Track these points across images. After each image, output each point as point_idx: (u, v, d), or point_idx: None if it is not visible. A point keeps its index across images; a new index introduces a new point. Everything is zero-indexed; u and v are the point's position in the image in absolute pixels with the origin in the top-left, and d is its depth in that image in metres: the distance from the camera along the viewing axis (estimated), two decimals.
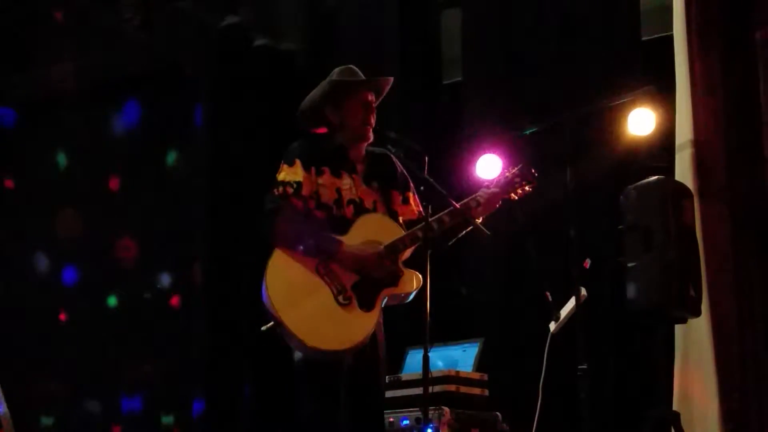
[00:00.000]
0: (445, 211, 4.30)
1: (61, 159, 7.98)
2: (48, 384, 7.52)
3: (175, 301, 7.50)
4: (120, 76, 7.82)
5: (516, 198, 4.50)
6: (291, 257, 4.14)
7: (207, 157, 7.41)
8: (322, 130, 4.43)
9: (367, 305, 4.17)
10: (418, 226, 4.28)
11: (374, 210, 4.33)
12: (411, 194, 4.46)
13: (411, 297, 4.29)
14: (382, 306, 4.22)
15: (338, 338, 4.09)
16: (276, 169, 4.31)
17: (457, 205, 4.32)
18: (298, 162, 4.23)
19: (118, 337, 7.47)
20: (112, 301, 7.68)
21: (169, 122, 7.67)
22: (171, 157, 7.71)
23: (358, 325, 4.14)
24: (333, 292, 4.13)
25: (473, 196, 4.40)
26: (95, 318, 7.65)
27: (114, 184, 7.78)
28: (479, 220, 4.36)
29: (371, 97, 4.38)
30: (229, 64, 7.36)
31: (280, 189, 4.19)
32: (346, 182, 4.31)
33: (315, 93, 4.40)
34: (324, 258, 4.15)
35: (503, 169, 4.53)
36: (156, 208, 7.58)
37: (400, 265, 4.27)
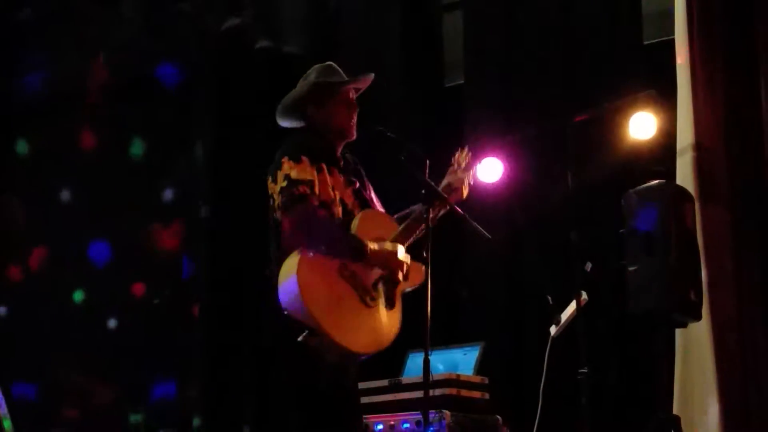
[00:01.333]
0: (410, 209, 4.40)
1: (62, 156, 7.98)
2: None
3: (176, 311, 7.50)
4: (121, 77, 7.82)
5: (468, 171, 4.63)
6: (313, 263, 3.98)
7: (208, 159, 7.41)
8: (298, 125, 4.39)
9: (390, 303, 4.15)
10: (411, 216, 4.34)
11: (352, 209, 4.26)
12: (374, 195, 4.46)
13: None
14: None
15: (376, 341, 4.06)
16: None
17: (460, 211, 4.34)
18: (305, 159, 4.09)
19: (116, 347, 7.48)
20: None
21: (170, 124, 7.67)
22: (171, 161, 7.70)
23: (389, 324, 4.13)
24: (359, 295, 4.06)
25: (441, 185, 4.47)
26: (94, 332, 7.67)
27: (113, 186, 7.77)
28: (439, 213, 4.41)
29: (353, 95, 4.38)
30: (230, 67, 7.37)
31: (300, 188, 4.01)
32: (337, 180, 4.25)
33: (296, 91, 4.37)
34: (352, 259, 4.05)
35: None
36: (155, 213, 7.59)
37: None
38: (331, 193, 4.18)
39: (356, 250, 4.04)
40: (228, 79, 7.38)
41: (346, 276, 4.04)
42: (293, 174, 4.04)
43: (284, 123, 4.42)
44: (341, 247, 4.04)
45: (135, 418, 7.40)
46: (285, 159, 4.09)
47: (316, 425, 4.03)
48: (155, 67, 7.78)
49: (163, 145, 7.75)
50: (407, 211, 4.47)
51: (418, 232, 4.33)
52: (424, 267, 4.19)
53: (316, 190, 4.09)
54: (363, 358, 4.08)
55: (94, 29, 7.72)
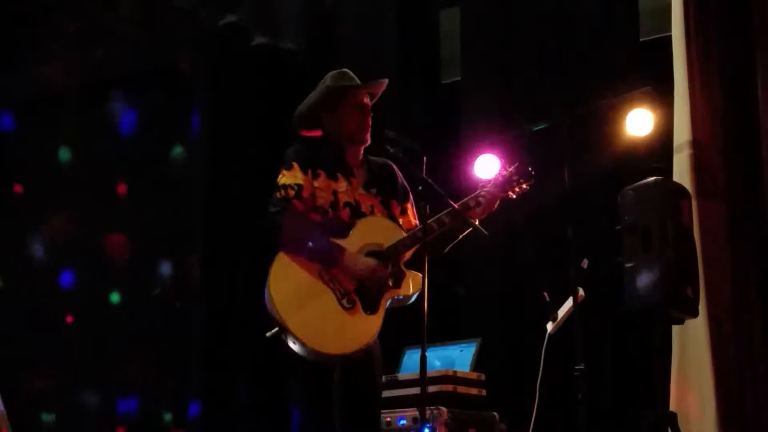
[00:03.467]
0: (445, 211, 4.28)
1: (62, 156, 7.96)
2: (46, 382, 7.52)
3: (173, 301, 7.50)
4: (118, 74, 7.82)
5: (514, 197, 4.44)
6: (294, 261, 4.12)
7: (205, 155, 7.41)
8: (317, 133, 4.43)
9: (371, 308, 4.16)
10: (419, 227, 4.28)
11: (372, 214, 4.32)
12: (409, 206, 4.47)
13: (412, 299, 4.28)
14: (386, 307, 4.21)
15: (343, 342, 4.07)
16: (275, 169, 4.31)
17: (456, 206, 4.32)
18: (295, 165, 4.22)
19: (116, 336, 7.47)
20: (115, 298, 7.67)
21: (167, 121, 7.67)
22: (169, 156, 7.70)
23: (362, 329, 4.14)
24: (337, 297, 4.12)
25: (471, 195, 4.36)
26: (94, 317, 7.65)
27: (112, 182, 7.77)
28: (476, 221, 4.35)
29: (366, 100, 4.37)
30: (227, 63, 7.36)
31: (282, 192, 4.17)
32: (342, 185, 4.29)
33: (310, 98, 4.41)
34: (324, 265, 4.13)
35: (501, 168, 4.49)
36: (154, 206, 7.58)
37: (402, 266, 4.26)
38: (331, 197, 4.24)
39: (328, 257, 4.13)
40: (224, 75, 7.37)
41: (326, 279, 4.13)
42: (281, 180, 4.21)
43: (303, 132, 4.45)
44: (312, 250, 4.12)
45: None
46: (280, 168, 4.25)
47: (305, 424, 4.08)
48: (151, 63, 7.76)
49: (159, 141, 7.73)
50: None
51: (426, 238, 4.24)
52: (418, 277, 4.21)
53: (305, 194, 4.18)
54: (339, 358, 4.07)
55: (91, 24, 7.70)
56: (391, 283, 4.21)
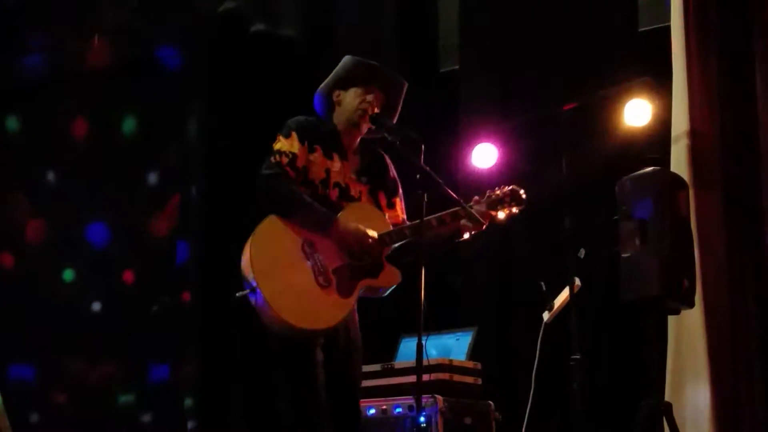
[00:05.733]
0: (450, 210, 4.29)
1: (61, 143, 7.96)
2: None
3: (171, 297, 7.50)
4: (115, 61, 7.80)
5: (502, 219, 4.39)
6: (279, 229, 4.12)
7: (204, 143, 7.39)
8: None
9: (345, 292, 4.16)
10: (411, 223, 4.32)
11: (359, 200, 4.35)
12: (398, 200, 4.48)
13: (387, 292, 4.32)
14: (359, 295, 4.22)
15: (310, 317, 4.06)
16: (267, 154, 4.32)
17: (453, 194, 4.32)
18: (294, 134, 4.23)
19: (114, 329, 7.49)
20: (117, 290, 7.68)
21: (165, 108, 7.65)
22: (167, 144, 7.69)
23: (333, 309, 4.13)
24: (314, 272, 4.11)
25: (459, 208, 4.31)
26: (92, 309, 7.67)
27: (108, 171, 7.75)
28: (467, 236, 4.35)
29: (371, 97, 4.36)
30: (226, 50, 7.35)
31: (277, 157, 4.18)
32: (336, 165, 4.32)
33: (330, 77, 4.43)
34: (317, 231, 4.14)
35: (494, 187, 4.45)
36: (151, 197, 7.58)
37: (383, 258, 4.28)
38: (323, 174, 4.26)
39: (324, 218, 4.14)
40: (223, 62, 7.35)
41: (307, 252, 4.13)
42: (277, 146, 4.23)
43: (318, 107, 4.47)
44: (305, 212, 4.13)
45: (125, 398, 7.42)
46: (278, 134, 4.26)
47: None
48: (150, 50, 7.74)
49: (157, 129, 7.72)
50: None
51: (413, 236, 4.28)
52: (397, 272, 4.27)
53: (299, 164, 4.21)
54: (299, 332, 4.04)
55: (90, 11, 7.68)
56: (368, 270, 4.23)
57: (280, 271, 4.07)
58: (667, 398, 5.07)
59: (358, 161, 4.41)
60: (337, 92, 4.40)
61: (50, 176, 8.00)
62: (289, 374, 4.11)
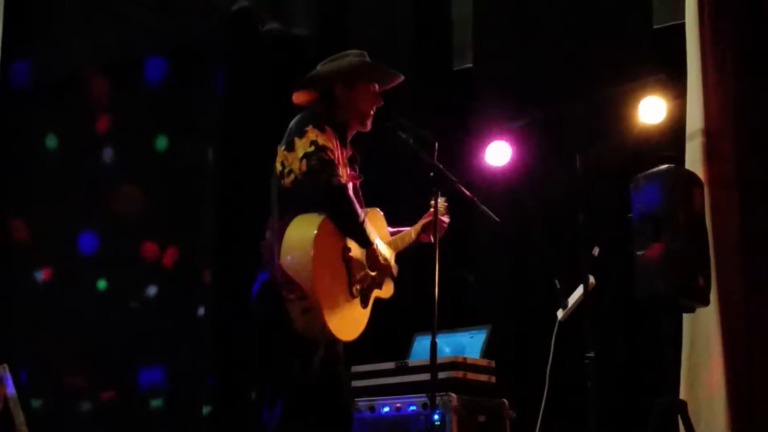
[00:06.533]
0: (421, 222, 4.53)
1: (69, 141, 7.98)
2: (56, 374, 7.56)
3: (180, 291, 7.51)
4: (130, 58, 7.82)
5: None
6: (330, 233, 3.98)
7: (218, 141, 7.41)
8: (312, 96, 4.37)
9: (364, 303, 4.19)
10: (403, 232, 4.50)
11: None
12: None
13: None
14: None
15: (342, 327, 4.01)
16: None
17: (467, 192, 4.33)
18: (329, 130, 4.09)
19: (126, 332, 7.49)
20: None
21: (180, 106, 7.67)
22: (181, 142, 7.70)
23: (360, 320, 4.16)
24: (348, 282, 4.08)
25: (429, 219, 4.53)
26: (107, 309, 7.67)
27: (123, 170, 7.77)
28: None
29: (378, 88, 4.38)
30: (239, 49, 7.36)
31: (329, 154, 3.97)
32: (339, 159, 4.20)
33: (329, 66, 4.37)
34: (361, 244, 4.12)
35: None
36: (166, 193, 7.59)
37: None
38: (342, 171, 4.15)
39: (366, 239, 4.11)
40: (236, 60, 7.37)
41: (345, 259, 4.06)
42: (320, 140, 3.99)
43: (299, 96, 4.38)
44: (360, 227, 4.06)
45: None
46: (310, 127, 4.04)
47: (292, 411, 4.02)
48: (163, 47, 7.76)
49: (169, 127, 7.73)
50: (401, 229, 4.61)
51: (402, 248, 4.49)
52: (392, 284, 4.34)
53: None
54: (330, 341, 4.04)
55: (102, 9, 7.70)
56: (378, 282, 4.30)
57: (331, 279, 3.98)
58: (681, 396, 5.06)
59: (349, 152, 4.35)
60: (340, 87, 4.31)
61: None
62: (292, 366, 4.06)
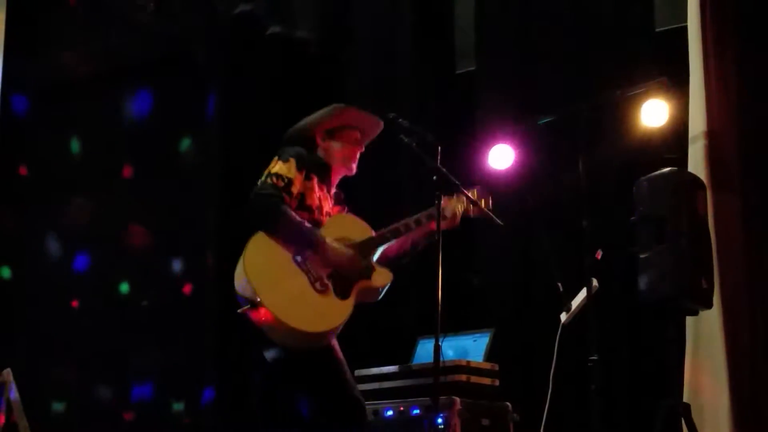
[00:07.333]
0: (425, 212, 4.56)
1: (74, 146, 7.98)
2: (59, 370, 7.55)
3: (186, 288, 7.51)
4: (132, 62, 7.83)
5: (472, 214, 4.76)
6: (269, 245, 4.22)
7: (219, 145, 7.42)
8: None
9: (343, 294, 4.29)
10: (390, 227, 4.53)
11: None
12: None
13: (381, 293, 4.44)
14: (357, 300, 4.33)
15: (316, 321, 4.17)
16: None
17: (469, 195, 4.34)
18: (292, 161, 4.34)
19: (129, 325, 7.50)
20: (124, 288, 7.70)
21: (182, 109, 7.68)
22: (183, 145, 7.71)
23: (335, 310, 4.25)
24: (310, 280, 4.23)
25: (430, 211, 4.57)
26: (107, 305, 7.67)
27: (126, 171, 7.79)
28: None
29: (360, 136, 4.60)
30: (241, 52, 7.37)
31: (274, 179, 4.27)
32: (325, 196, 4.50)
33: (309, 118, 4.59)
34: (305, 248, 4.24)
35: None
36: (168, 195, 7.60)
37: (372, 261, 4.42)
38: (317, 201, 4.42)
39: (311, 240, 4.25)
40: (239, 64, 7.38)
41: (299, 263, 4.23)
42: (274, 169, 4.31)
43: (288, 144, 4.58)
44: (296, 233, 4.23)
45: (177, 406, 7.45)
46: (275, 159, 4.36)
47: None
48: (165, 51, 7.77)
49: (173, 132, 7.74)
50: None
51: (395, 238, 4.56)
52: (388, 273, 4.42)
53: (296, 189, 4.32)
54: (307, 336, 4.13)
55: (104, 14, 7.71)
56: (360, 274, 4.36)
57: (278, 283, 4.17)
58: (685, 399, 5.05)
59: (331, 189, 4.60)
60: (322, 135, 4.56)
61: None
62: (318, 383, 4.21)
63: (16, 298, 7.71)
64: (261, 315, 4.08)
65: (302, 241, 4.24)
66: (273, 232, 4.22)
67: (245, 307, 4.12)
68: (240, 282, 4.16)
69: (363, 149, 4.62)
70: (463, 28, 7.05)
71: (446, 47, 7.15)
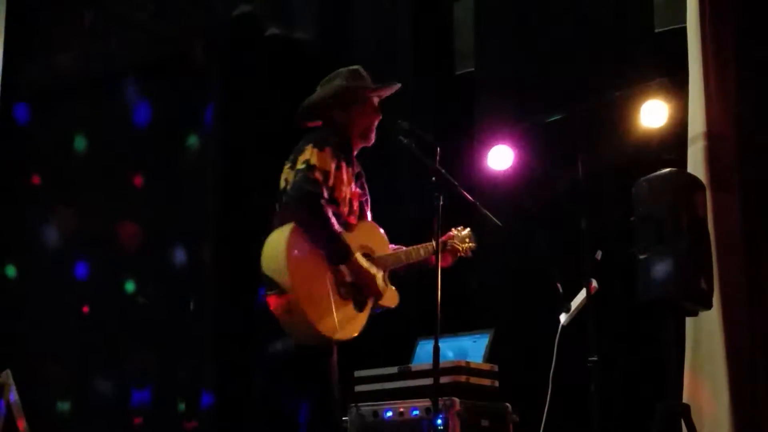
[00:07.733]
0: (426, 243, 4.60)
1: (76, 146, 7.98)
2: (60, 372, 7.55)
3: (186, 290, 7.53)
4: (132, 64, 7.83)
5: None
6: (306, 240, 4.11)
7: (218, 145, 7.42)
8: (317, 124, 4.49)
9: (359, 306, 4.26)
10: (405, 249, 4.55)
11: (354, 211, 4.41)
12: (369, 211, 4.58)
13: (379, 311, 4.42)
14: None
15: (336, 328, 4.11)
16: (283, 158, 4.34)
17: (469, 197, 4.34)
18: (328, 150, 4.22)
19: (130, 326, 7.50)
20: (130, 287, 7.70)
21: (181, 111, 7.68)
22: (182, 146, 7.71)
23: (353, 322, 4.21)
24: (337, 283, 4.17)
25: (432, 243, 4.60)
26: (107, 305, 7.68)
27: (126, 171, 7.79)
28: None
29: (377, 101, 4.50)
30: (241, 53, 7.37)
31: (317, 174, 4.13)
32: (350, 179, 4.38)
33: (321, 93, 4.48)
34: (334, 261, 4.18)
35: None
36: (168, 195, 7.60)
37: (387, 281, 4.41)
38: (344, 190, 4.30)
39: (341, 255, 4.17)
40: (237, 65, 7.38)
41: (329, 265, 4.16)
42: (313, 160, 4.15)
43: (304, 123, 4.51)
44: (330, 244, 4.14)
45: None
46: (309, 146, 4.20)
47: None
48: (165, 53, 7.77)
49: (172, 132, 7.75)
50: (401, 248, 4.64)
51: (406, 263, 4.56)
52: (397, 294, 4.40)
53: (330, 182, 4.21)
54: (325, 340, 4.10)
55: (104, 14, 7.71)
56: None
57: (311, 277, 4.10)
58: (684, 400, 5.06)
59: (356, 169, 4.48)
60: (337, 111, 4.44)
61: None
62: (313, 378, 4.18)
63: (19, 298, 7.72)
64: (285, 302, 4.01)
65: (335, 255, 4.15)
66: (313, 234, 4.12)
67: (271, 292, 4.05)
68: (274, 264, 4.06)
69: (381, 116, 4.49)
70: (462, 29, 7.05)
71: (445, 48, 7.15)
